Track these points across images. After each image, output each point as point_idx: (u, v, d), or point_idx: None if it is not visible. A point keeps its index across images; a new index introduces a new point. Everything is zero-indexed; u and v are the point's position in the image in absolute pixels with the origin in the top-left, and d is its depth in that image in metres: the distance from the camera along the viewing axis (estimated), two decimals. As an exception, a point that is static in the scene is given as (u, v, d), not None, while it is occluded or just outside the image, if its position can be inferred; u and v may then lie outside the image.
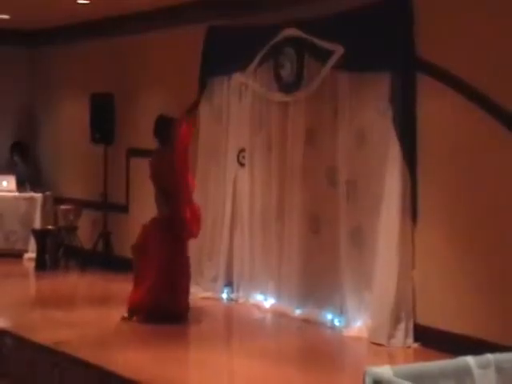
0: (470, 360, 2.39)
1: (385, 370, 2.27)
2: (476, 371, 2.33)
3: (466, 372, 2.34)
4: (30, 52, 8.59)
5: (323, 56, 5.31)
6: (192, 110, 6.37)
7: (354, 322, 5.04)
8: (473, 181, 4.54)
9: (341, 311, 5.17)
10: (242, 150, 6.04)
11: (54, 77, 8.39)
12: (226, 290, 6.06)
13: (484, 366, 2.36)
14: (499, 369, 2.38)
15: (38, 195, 7.84)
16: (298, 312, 5.44)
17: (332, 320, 5.21)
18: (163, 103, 6.63)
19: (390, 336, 4.75)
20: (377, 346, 4.74)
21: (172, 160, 5.12)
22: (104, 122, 7.23)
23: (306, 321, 5.31)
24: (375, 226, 4.92)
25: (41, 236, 7.26)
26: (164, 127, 5.29)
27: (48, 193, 7.94)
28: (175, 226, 5.16)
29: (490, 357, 2.43)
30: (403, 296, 4.78)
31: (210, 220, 6.16)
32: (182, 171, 5.16)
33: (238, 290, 5.99)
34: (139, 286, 5.21)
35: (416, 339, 4.74)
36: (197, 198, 5.64)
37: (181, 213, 5.14)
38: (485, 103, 4.43)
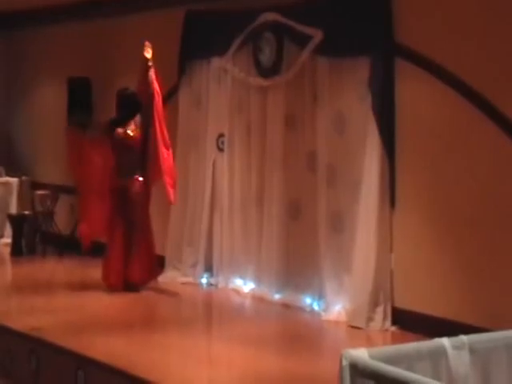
0: (444, 341, 2.43)
1: (360, 353, 2.30)
2: (450, 352, 2.37)
3: (441, 353, 2.38)
4: (6, 35, 8.44)
5: (302, 41, 5.29)
6: (171, 94, 6.31)
7: (333, 306, 5.06)
8: (450, 165, 4.57)
9: (320, 295, 5.20)
10: (221, 135, 6.01)
11: (30, 60, 8.26)
12: (205, 276, 6.06)
13: (458, 347, 2.40)
14: (472, 349, 2.42)
15: (14, 180, 7.74)
16: (277, 296, 5.46)
17: (311, 304, 5.23)
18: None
19: (369, 319, 4.78)
20: (355, 330, 4.76)
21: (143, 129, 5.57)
22: (81, 106, 7.15)
23: (285, 305, 5.33)
24: (354, 211, 4.94)
25: (17, 221, 7.18)
26: (130, 101, 5.65)
27: (24, 178, 7.85)
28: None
29: (463, 338, 2.47)
30: (381, 279, 4.81)
31: (189, 206, 6.13)
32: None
33: (217, 275, 5.99)
34: None
35: (394, 322, 4.78)
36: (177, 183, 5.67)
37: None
38: (463, 89, 4.44)
